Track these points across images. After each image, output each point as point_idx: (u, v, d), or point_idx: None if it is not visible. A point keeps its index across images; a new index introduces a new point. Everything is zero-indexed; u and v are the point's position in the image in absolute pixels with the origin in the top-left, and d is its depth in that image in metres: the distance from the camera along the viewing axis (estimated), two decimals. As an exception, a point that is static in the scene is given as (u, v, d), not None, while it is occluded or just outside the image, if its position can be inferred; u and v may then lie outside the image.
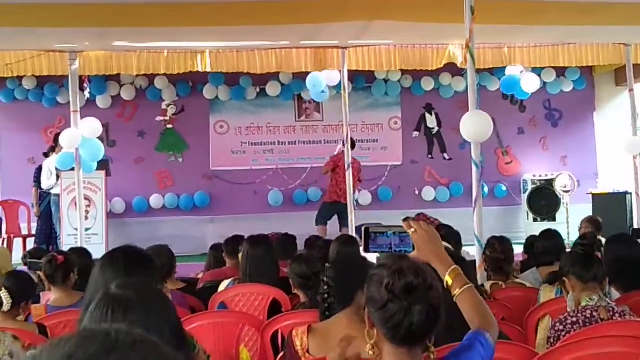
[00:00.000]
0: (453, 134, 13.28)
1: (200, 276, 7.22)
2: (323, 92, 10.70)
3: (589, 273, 3.70)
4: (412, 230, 2.48)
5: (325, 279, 3.16)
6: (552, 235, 6.91)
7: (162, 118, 12.96)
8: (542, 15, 7.68)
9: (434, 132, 13.47)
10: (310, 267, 4.61)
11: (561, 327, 3.50)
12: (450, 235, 6.85)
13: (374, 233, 2.58)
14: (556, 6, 7.23)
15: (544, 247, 6.74)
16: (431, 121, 13.46)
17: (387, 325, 2.12)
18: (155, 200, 12.74)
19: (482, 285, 5.56)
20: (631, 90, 10.10)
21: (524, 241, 11.62)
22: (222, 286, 5.67)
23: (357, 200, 12.01)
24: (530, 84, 11.23)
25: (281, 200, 12.84)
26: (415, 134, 13.45)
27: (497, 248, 5.51)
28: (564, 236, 11.31)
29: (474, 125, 5.92)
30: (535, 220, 12.70)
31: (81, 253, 5.90)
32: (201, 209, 12.83)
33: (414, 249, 2.51)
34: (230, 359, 4.26)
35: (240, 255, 5.93)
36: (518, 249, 10.87)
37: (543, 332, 4.34)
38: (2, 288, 4.23)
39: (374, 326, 2.18)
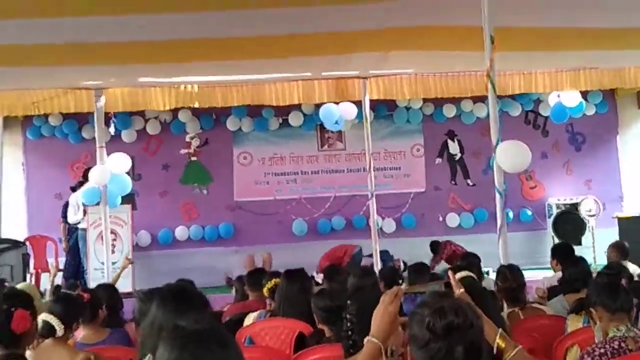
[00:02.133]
0: (475, 160, 13.33)
1: (225, 309, 7.26)
2: (337, 123, 10.75)
3: (615, 303, 3.69)
4: (462, 290, 2.52)
5: (347, 315, 3.18)
6: (578, 262, 6.89)
7: (186, 151, 13.08)
8: (562, 41, 7.72)
9: (456, 158, 13.48)
10: (333, 300, 4.57)
11: (589, 359, 3.48)
12: (474, 265, 6.87)
13: (407, 294, 2.60)
14: (575, 32, 7.26)
15: (571, 274, 6.73)
16: (453, 147, 13.46)
17: None
18: (180, 232, 12.82)
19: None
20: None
21: (549, 266, 11.65)
22: (249, 319, 5.69)
23: (381, 228, 12.05)
24: (572, 100, 11.21)
25: (305, 230, 12.87)
26: (438, 160, 13.46)
27: (509, 277, 5.50)
28: (590, 261, 11.26)
29: (513, 156, 5.92)
30: (561, 244, 12.59)
31: (108, 289, 5.94)
32: (226, 239, 12.90)
33: None
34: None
35: (264, 288, 5.99)
36: (545, 274, 10.91)
37: (572, 360, 4.32)
38: (50, 314, 4.27)
39: None
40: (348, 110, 10.28)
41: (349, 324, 3.19)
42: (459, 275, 5.30)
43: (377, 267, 10.06)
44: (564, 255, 7.39)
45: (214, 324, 2.38)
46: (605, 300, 3.72)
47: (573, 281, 6.59)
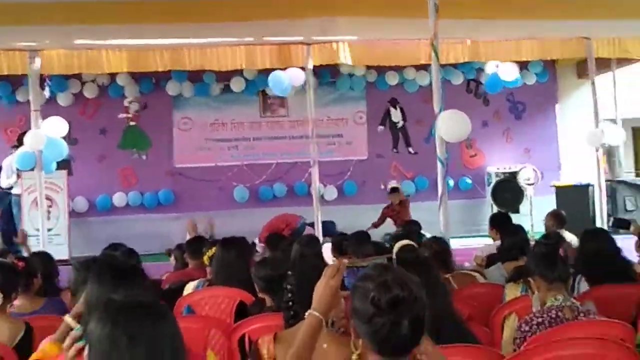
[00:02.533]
0: (418, 128, 13.36)
1: (164, 277, 7.14)
2: (285, 89, 10.65)
3: (553, 273, 3.71)
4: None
5: (288, 285, 3.12)
6: (516, 230, 6.96)
7: (124, 115, 12.79)
8: (506, 10, 7.72)
9: (398, 126, 13.50)
10: (274, 269, 4.50)
11: (527, 328, 3.51)
12: (412, 232, 6.92)
13: (349, 268, 2.54)
14: (519, 1, 7.27)
15: (509, 242, 6.81)
16: (396, 115, 13.48)
17: (374, 338, 2.13)
18: (118, 199, 12.59)
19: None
20: (593, 83, 10.20)
21: (487, 234, 11.81)
22: (188, 288, 5.59)
23: (322, 196, 12.01)
24: (509, 73, 11.30)
25: (247, 197, 12.78)
26: (380, 128, 13.46)
27: (433, 245, 5.57)
28: (528, 228, 11.43)
29: (453, 126, 5.92)
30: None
31: (42, 256, 5.76)
32: (165, 206, 12.72)
33: None
34: (198, 364, 4.19)
35: (204, 256, 5.89)
36: (484, 241, 11.06)
37: (509, 330, 4.35)
38: None
39: (359, 337, 2.18)
40: (296, 75, 10.17)
41: (289, 295, 3.13)
42: (399, 244, 5.33)
43: (319, 234, 10.03)
44: (502, 224, 7.46)
45: (148, 296, 2.31)
46: (543, 269, 3.74)
47: (511, 249, 6.66)
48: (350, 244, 6.71)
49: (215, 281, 5.30)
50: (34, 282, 5.02)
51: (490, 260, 6.87)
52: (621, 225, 6.62)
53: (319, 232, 10.11)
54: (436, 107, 6.07)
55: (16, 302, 4.85)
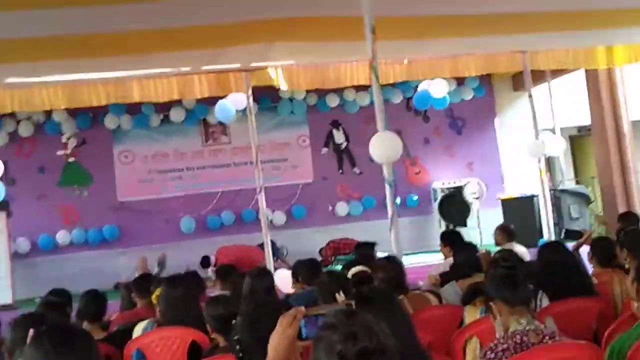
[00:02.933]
0: (361, 148, 13.33)
1: (112, 317, 6.95)
2: (232, 114, 10.59)
3: (515, 297, 3.65)
4: None
5: (235, 336, 3.01)
6: (468, 247, 7.01)
7: (62, 152, 12.52)
8: (442, 29, 7.78)
9: (342, 148, 13.51)
10: (226, 308, 4.37)
11: (492, 356, 3.44)
12: (366, 256, 6.88)
13: (307, 317, 2.42)
14: (455, 19, 7.33)
15: (461, 259, 6.83)
16: (339, 137, 13.49)
17: None
18: (62, 237, 12.28)
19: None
20: (530, 95, 10.35)
21: (437, 249, 11.85)
22: (137, 329, 5.43)
23: (271, 221, 11.93)
24: (439, 90, 11.38)
25: (194, 227, 12.60)
26: (324, 150, 13.45)
27: (389, 267, 5.54)
28: (477, 242, 11.53)
29: (384, 148, 5.91)
30: (447, 227, 12.84)
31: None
32: (111, 242, 12.45)
33: None
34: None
35: (152, 295, 5.74)
36: (433, 257, 11.09)
37: (471, 353, 4.32)
38: None
39: None
40: (238, 100, 10.11)
41: (237, 345, 3.00)
42: (353, 270, 5.28)
43: (270, 260, 9.91)
44: (452, 241, 7.51)
45: None
46: (504, 294, 3.67)
47: (464, 266, 6.69)
48: (301, 272, 6.65)
49: (163, 321, 5.15)
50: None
51: (444, 278, 6.88)
52: (573, 237, 6.69)
53: (269, 259, 9.99)
54: (380, 128, 6.03)
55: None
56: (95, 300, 5.54)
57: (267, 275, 5.51)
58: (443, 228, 12.90)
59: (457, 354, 4.37)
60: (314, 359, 2.12)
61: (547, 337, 3.49)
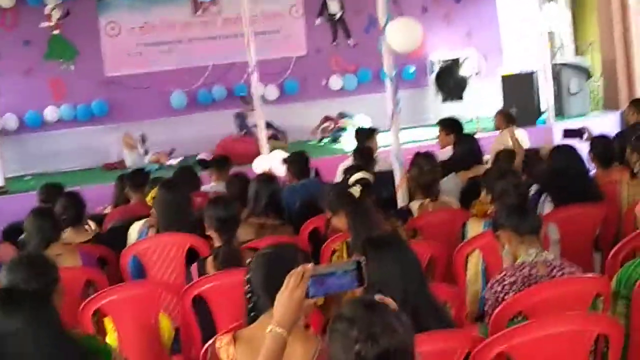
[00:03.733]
0: (357, 18, 12.90)
1: (107, 211, 6.86)
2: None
3: (524, 225, 3.51)
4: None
5: (247, 276, 2.88)
6: (468, 139, 6.85)
7: (47, 24, 11.97)
8: None
9: (336, 18, 12.99)
10: (227, 210, 4.37)
11: (499, 288, 3.34)
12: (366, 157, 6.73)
13: (315, 276, 2.27)
14: None
15: (462, 150, 6.69)
16: (333, 6, 12.93)
17: None
18: (50, 113, 11.97)
19: (407, 208, 5.42)
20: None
21: (433, 123, 11.73)
22: (132, 231, 5.35)
23: (262, 96, 11.64)
24: None
25: (185, 102, 12.30)
26: (318, 20, 12.94)
27: (425, 169, 5.30)
28: (473, 117, 11.37)
29: (403, 36, 5.56)
30: (444, 101, 12.62)
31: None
32: (101, 117, 12.16)
33: (358, 283, 2.24)
34: (150, 330, 4.01)
35: (147, 196, 5.64)
36: (429, 132, 10.94)
37: (473, 267, 4.25)
38: None
39: None
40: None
41: (248, 286, 2.87)
42: (354, 177, 5.11)
43: (263, 138, 9.70)
44: (452, 129, 7.32)
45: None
46: (513, 222, 3.54)
47: (463, 158, 6.57)
48: (293, 167, 6.59)
49: (159, 226, 5.07)
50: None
51: (443, 168, 6.73)
52: (573, 135, 6.49)
53: (262, 135, 9.80)
54: (381, 18, 5.66)
55: None
56: (74, 205, 5.37)
57: (272, 182, 5.37)
58: (439, 102, 12.70)
59: (459, 269, 4.29)
60: (330, 353, 2.02)
61: (555, 269, 3.38)
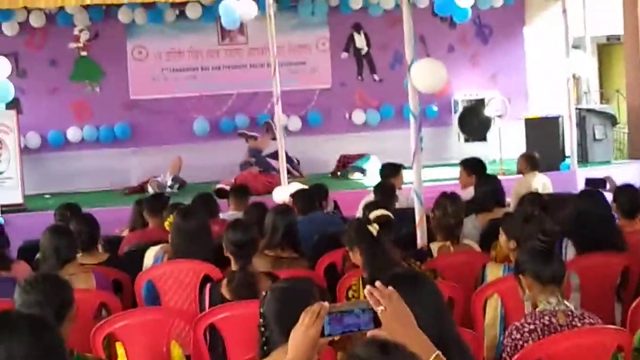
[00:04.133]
0: (382, 54, 12.94)
1: (124, 234, 6.82)
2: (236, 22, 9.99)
3: (547, 273, 3.42)
4: (381, 308, 2.15)
5: (261, 309, 2.81)
6: (490, 180, 6.74)
7: (75, 45, 12.12)
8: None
9: (363, 53, 13.03)
10: (245, 234, 4.32)
11: (518, 336, 3.25)
12: (387, 193, 6.64)
13: (331, 314, 2.21)
14: None
15: (483, 191, 6.57)
16: (360, 41, 12.99)
17: None
18: (72, 133, 12.06)
19: (427, 248, 5.34)
20: (564, 11, 9.84)
21: (455, 162, 11.62)
22: (148, 256, 5.30)
23: (285, 127, 11.64)
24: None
25: (207, 129, 12.32)
26: (344, 55, 12.99)
27: (449, 211, 5.20)
28: (496, 157, 11.28)
29: (428, 77, 5.51)
30: (466, 140, 12.57)
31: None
32: (122, 140, 12.23)
33: (375, 324, 2.18)
34: (161, 357, 3.94)
35: (165, 221, 5.57)
36: (450, 172, 10.85)
37: (492, 311, 4.15)
38: None
39: None
40: (247, 9, 9.48)
41: (261, 319, 2.80)
42: (374, 214, 5.04)
43: (283, 169, 9.69)
44: (474, 170, 7.23)
45: None
46: (537, 268, 3.44)
47: (485, 200, 6.46)
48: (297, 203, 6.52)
49: (175, 253, 5.00)
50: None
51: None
52: (596, 184, 6.38)
53: (283, 166, 9.77)
54: (408, 56, 5.64)
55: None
56: (88, 227, 5.32)
57: (289, 214, 5.29)
58: (462, 141, 12.64)
59: (477, 313, 4.18)
60: None
61: (576, 319, 3.28)
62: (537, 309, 3.35)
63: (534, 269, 3.43)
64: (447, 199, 5.32)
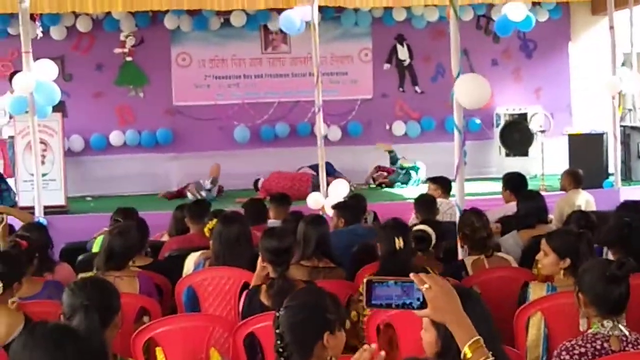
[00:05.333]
0: (425, 66, 12.91)
1: (164, 238, 6.87)
2: (299, 29, 10.09)
3: (610, 303, 3.27)
4: (426, 286, 2.12)
5: (277, 330, 2.83)
6: (533, 196, 6.65)
7: (120, 50, 12.28)
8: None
9: (405, 64, 13.01)
10: (281, 241, 4.34)
11: (567, 357, 3.16)
12: (428, 208, 6.60)
13: (375, 283, 2.19)
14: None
15: (525, 208, 6.48)
16: (402, 53, 12.97)
17: None
18: (115, 137, 12.21)
19: (461, 262, 5.28)
20: (612, 27, 9.71)
21: (496, 176, 11.54)
22: (189, 262, 5.34)
23: (325, 136, 11.64)
24: (517, 13, 10.49)
25: (248, 137, 12.38)
26: (387, 66, 12.98)
27: (477, 225, 5.14)
28: (538, 173, 11.16)
29: (471, 93, 5.49)
30: (507, 155, 12.46)
31: (38, 229, 5.40)
32: (164, 146, 12.35)
33: (421, 303, 2.15)
34: (201, 363, 3.96)
35: (205, 227, 5.59)
36: (491, 186, 10.75)
37: (535, 331, 4.07)
38: None
39: None
40: (304, 12, 9.59)
41: (279, 341, 2.83)
42: (414, 229, 5.02)
43: (323, 179, 9.70)
44: (517, 186, 7.15)
45: None
46: (600, 296, 3.28)
47: (527, 216, 6.37)
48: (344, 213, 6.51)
49: (216, 259, 5.03)
50: (33, 262, 4.74)
51: (505, 225, 6.56)
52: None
53: (323, 176, 9.77)
54: (454, 70, 5.61)
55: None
56: (142, 230, 5.38)
57: (320, 224, 5.27)
58: (503, 155, 12.53)
59: (519, 332, 4.12)
60: None
61: (630, 345, 3.19)
62: (590, 331, 3.26)
63: (596, 295, 3.30)
64: (471, 214, 5.29)
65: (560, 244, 4.31)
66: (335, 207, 6.96)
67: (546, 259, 4.37)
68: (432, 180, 8.30)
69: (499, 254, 5.27)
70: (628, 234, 4.76)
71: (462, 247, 5.37)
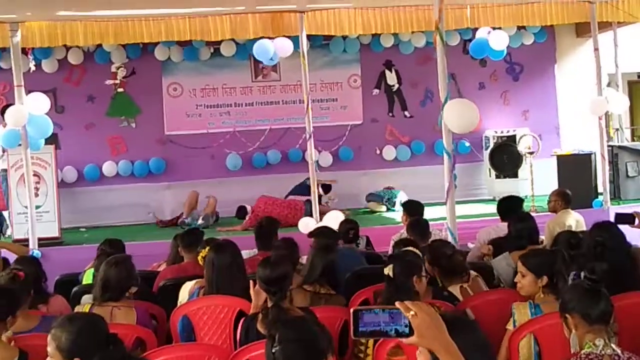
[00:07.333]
0: (413, 91, 13.05)
1: (161, 268, 6.90)
2: (272, 59, 10.19)
3: (595, 313, 3.41)
4: (412, 313, 2.17)
5: (273, 351, 2.89)
6: (525, 218, 6.71)
7: (112, 81, 12.39)
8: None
9: (394, 90, 13.15)
10: (273, 271, 4.34)
11: (563, 379, 3.24)
12: (418, 227, 6.64)
13: (363, 311, 2.25)
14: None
15: (517, 229, 6.55)
16: (391, 78, 13.12)
17: None
18: (108, 168, 12.27)
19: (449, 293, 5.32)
20: (596, 49, 9.87)
21: (486, 198, 11.63)
22: (184, 291, 5.38)
23: (317, 162, 11.74)
24: (498, 42, 10.74)
25: (240, 164, 12.46)
26: (375, 91, 13.12)
27: (449, 252, 5.21)
28: (527, 193, 11.24)
29: (460, 118, 5.60)
30: (497, 177, 12.56)
31: (31, 263, 5.45)
32: (156, 175, 12.42)
33: (408, 330, 2.21)
34: (198, 392, 3.99)
35: (199, 255, 5.63)
36: (482, 208, 10.83)
37: (526, 351, 4.13)
38: None
39: None
40: (283, 46, 9.71)
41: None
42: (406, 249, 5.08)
43: (315, 202, 9.80)
44: (509, 209, 7.21)
45: None
46: (585, 308, 3.40)
47: (519, 238, 6.43)
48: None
49: (210, 288, 5.06)
50: (28, 296, 4.76)
51: (496, 246, 6.62)
52: (624, 220, 6.32)
53: (315, 200, 9.88)
54: (442, 94, 5.73)
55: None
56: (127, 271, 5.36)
57: (329, 252, 5.32)
58: (493, 177, 12.64)
59: (513, 354, 4.18)
60: None
61: (622, 364, 3.26)
62: (582, 351, 3.33)
63: (582, 309, 3.40)
64: (438, 245, 5.35)
65: (535, 264, 4.41)
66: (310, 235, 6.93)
67: (524, 280, 4.47)
68: (402, 205, 8.32)
69: (472, 274, 5.33)
70: (601, 252, 4.84)
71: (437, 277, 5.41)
